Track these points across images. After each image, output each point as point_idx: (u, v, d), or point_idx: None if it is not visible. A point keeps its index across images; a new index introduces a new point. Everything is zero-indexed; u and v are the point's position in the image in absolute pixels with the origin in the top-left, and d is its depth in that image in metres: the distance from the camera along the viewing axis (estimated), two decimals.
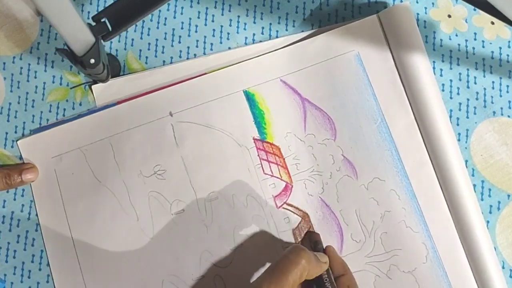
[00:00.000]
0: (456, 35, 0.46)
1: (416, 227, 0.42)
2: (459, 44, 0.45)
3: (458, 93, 0.45)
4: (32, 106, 0.46)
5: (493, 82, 0.45)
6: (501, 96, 0.45)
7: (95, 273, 0.43)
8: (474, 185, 0.43)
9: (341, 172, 0.43)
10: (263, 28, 0.46)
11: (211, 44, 0.46)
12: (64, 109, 0.46)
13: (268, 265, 0.40)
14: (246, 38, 0.46)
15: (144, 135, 0.44)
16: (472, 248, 0.41)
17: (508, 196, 0.43)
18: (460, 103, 0.45)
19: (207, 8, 0.47)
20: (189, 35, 0.47)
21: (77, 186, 0.44)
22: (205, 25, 0.47)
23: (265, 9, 0.47)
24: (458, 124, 0.44)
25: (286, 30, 0.46)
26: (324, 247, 0.41)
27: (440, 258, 0.42)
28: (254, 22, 0.47)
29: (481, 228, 0.41)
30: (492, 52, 0.45)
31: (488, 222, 0.43)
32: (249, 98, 0.44)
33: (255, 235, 0.43)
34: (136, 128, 0.44)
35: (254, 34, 0.46)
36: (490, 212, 0.43)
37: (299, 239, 0.43)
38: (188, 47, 0.46)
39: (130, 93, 0.45)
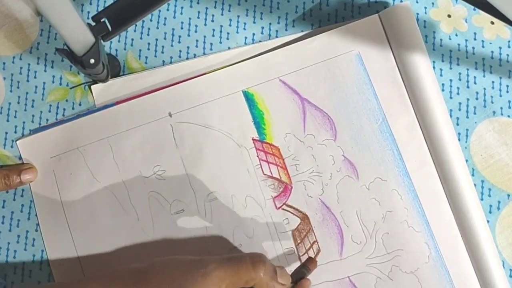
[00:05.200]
0: (456, 35, 0.45)
1: (418, 227, 0.42)
2: (459, 44, 0.45)
3: (458, 93, 0.45)
4: (32, 106, 0.46)
5: (493, 82, 0.45)
6: (501, 96, 0.45)
7: (95, 273, 0.43)
8: (474, 185, 0.43)
9: (342, 172, 0.43)
10: (263, 28, 0.46)
11: (211, 44, 0.46)
12: (64, 109, 0.46)
13: None
14: (246, 38, 0.46)
15: (144, 136, 0.44)
16: (474, 247, 0.41)
17: (508, 196, 0.43)
18: (460, 103, 0.45)
19: (207, 8, 0.47)
20: (189, 35, 0.47)
21: (76, 187, 0.44)
22: (205, 25, 0.47)
23: (265, 9, 0.47)
24: (458, 124, 0.44)
25: (286, 30, 0.46)
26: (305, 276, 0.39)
27: (442, 258, 0.42)
28: (254, 22, 0.47)
29: (483, 227, 0.41)
30: (492, 52, 0.45)
31: (488, 222, 0.43)
32: (249, 98, 0.44)
33: (254, 236, 0.43)
34: (135, 128, 0.44)
35: (254, 34, 0.46)
36: (490, 212, 0.43)
37: (299, 241, 0.43)
38: (188, 47, 0.46)
39: (129, 93, 0.45)
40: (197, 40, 0.46)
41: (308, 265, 0.40)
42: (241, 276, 0.35)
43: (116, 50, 0.47)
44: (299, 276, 0.39)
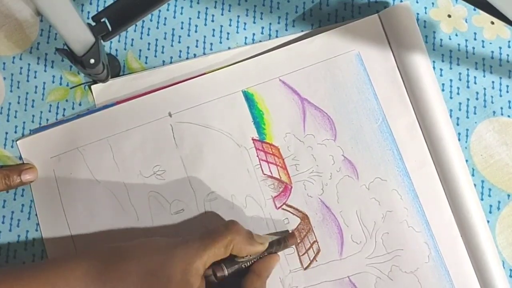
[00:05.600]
0: (456, 35, 0.45)
1: (418, 226, 0.42)
2: (459, 44, 0.45)
3: (458, 93, 0.45)
4: (32, 106, 0.46)
5: (493, 82, 0.45)
6: (501, 96, 0.45)
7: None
8: (474, 185, 0.43)
9: (342, 172, 0.43)
10: (262, 28, 0.46)
11: (211, 44, 0.46)
12: (64, 109, 0.46)
13: None
14: (246, 38, 0.46)
15: (144, 136, 0.44)
16: (474, 247, 0.41)
17: (508, 196, 0.43)
18: (460, 103, 0.45)
19: (207, 8, 0.47)
20: (189, 35, 0.47)
21: (76, 187, 0.44)
22: (205, 25, 0.47)
23: (265, 9, 0.47)
24: (458, 124, 0.44)
25: (286, 30, 0.46)
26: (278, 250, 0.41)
27: (442, 258, 0.42)
28: (254, 22, 0.47)
29: (483, 227, 0.41)
30: (492, 52, 0.45)
31: (488, 222, 0.43)
32: (248, 98, 0.44)
33: None
34: (135, 128, 0.44)
35: (254, 34, 0.46)
36: (490, 212, 0.43)
37: (299, 240, 0.43)
38: (188, 47, 0.46)
39: (129, 93, 0.45)
40: (197, 40, 0.46)
41: (288, 238, 0.41)
42: (218, 241, 0.36)
43: (116, 50, 0.47)
44: (276, 246, 0.40)
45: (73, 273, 0.36)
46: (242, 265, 0.38)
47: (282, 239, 0.41)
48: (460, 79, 0.45)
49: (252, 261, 0.39)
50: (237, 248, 0.37)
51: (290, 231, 0.43)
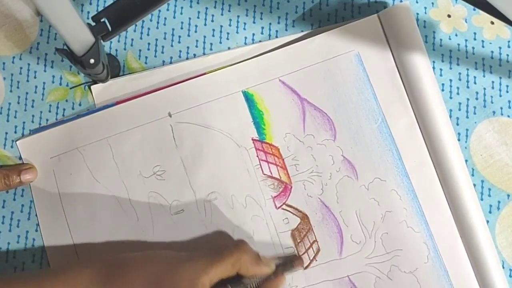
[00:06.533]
0: (456, 35, 0.45)
1: (417, 227, 0.42)
2: (458, 44, 0.45)
3: (458, 93, 0.45)
4: (32, 106, 0.46)
5: (492, 82, 0.45)
6: (501, 96, 0.45)
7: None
8: (474, 185, 0.43)
9: (341, 172, 0.43)
10: (262, 28, 0.46)
11: (211, 44, 0.46)
12: (64, 109, 0.46)
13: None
14: (245, 38, 0.46)
15: (143, 136, 0.44)
16: (473, 247, 0.41)
17: (508, 196, 0.43)
18: (460, 103, 0.45)
19: (206, 8, 0.47)
20: (188, 35, 0.47)
21: (75, 187, 0.44)
22: (205, 25, 0.47)
23: (264, 9, 0.47)
24: (458, 124, 0.44)
25: (286, 30, 0.46)
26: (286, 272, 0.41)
27: (441, 258, 0.42)
28: (254, 22, 0.47)
29: (482, 227, 0.41)
30: (492, 52, 0.45)
31: (487, 222, 0.43)
32: (248, 98, 0.44)
33: (254, 235, 0.43)
34: (135, 128, 0.44)
35: (253, 34, 0.46)
36: (490, 212, 0.43)
37: (298, 240, 0.43)
38: (188, 47, 0.46)
39: (129, 93, 0.45)
40: (197, 40, 0.46)
41: (294, 262, 0.41)
42: (225, 258, 0.36)
43: (116, 50, 0.47)
44: (282, 268, 0.40)
45: (76, 280, 0.36)
46: (248, 286, 0.38)
47: (288, 262, 0.41)
48: (460, 79, 0.45)
49: (258, 282, 0.38)
50: (244, 267, 0.37)
51: (296, 255, 0.42)
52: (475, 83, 0.45)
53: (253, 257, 0.38)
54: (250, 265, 0.37)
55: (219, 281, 0.37)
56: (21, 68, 0.47)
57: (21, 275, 0.40)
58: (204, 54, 0.46)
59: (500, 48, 0.45)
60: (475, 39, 0.45)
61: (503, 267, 0.42)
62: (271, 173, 0.43)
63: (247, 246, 0.38)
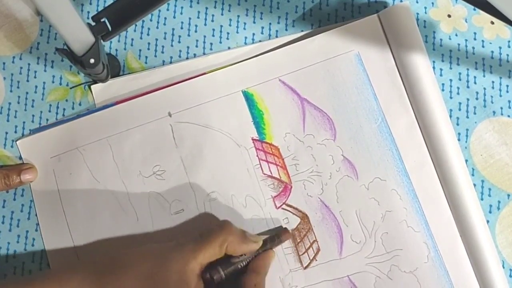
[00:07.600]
0: (456, 35, 0.45)
1: (417, 226, 0.42)
2: (459, 44, 0.45)
3: (458, 93, 0.45)
4: (32, 106, 0.46)
5: (493, 82, 0.45)
6: (501, 96, 0.45)
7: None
8: (474, 185, 0.43)
9: (341, 172, 0.43)
10: (262, 28, 0.46)
11: (211, 44, 0.46)
12: (64, 109, 0.46)
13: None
14: (245, 38, 0.46)
15: (143, 136, 0.44)
16: (474, 247, 0.41)
17: (508, 196, 0.43)
18: (460, 103, 0.45)
19: (206, 8, 0.47)
20: (188, 35, 0.47)
21: (75, 187, 0.44)
22: (205, 25, 0.47)
23: (264, 9, 0.47)
24: (458, 124, 0.44)
25: (286, 30, 0.46)
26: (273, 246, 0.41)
27: (441, 258, 0.42)
28: (254, 22, 0.47)
29: (482, 227, 0.41)
30: (492, 51, 0.45)
31: (488, 221, 0.43)
32: (248, 98, 0.44)
33: None
34: (135, 128, 0.44)
35: (253, 34, 0.46)
36: (490, 212, 0.43)
37: (298, 240, 0.43)
38: (188, 47, 0.46)
39: (129, 93, 0.45)
40: (197, 40, 0.46)
41: (281, 235, 0.41)
42: (212, 241, 0.37)
43: (116, 50, 0.47)
44: (270, 243, 0.41)
45: (68, 283, 0.37)
46: (239, 265, 0.39)
47: (275, 236, 0.41)
48: (460, 79, 0.45)
49: (248, 261, 0.39)
50: (232, 247, 0.38)
51: (283, 227, 0.43)
52: (475, 83, 0.45)
53: (240, 236, 0.38)
54: (238, 244, 0.38)
55: (209, 264, 0.37)
56: (21, 68, 0.47)
57: (13, 280, 0.41)
58: (204, 54, 0.46)
59: (500, 48, 0.45)
60: (475, 39, 0.45)
61: (503, 267, 0.42)
62: (271, 173, 0.43)
63: (232, 226, 0.39)
